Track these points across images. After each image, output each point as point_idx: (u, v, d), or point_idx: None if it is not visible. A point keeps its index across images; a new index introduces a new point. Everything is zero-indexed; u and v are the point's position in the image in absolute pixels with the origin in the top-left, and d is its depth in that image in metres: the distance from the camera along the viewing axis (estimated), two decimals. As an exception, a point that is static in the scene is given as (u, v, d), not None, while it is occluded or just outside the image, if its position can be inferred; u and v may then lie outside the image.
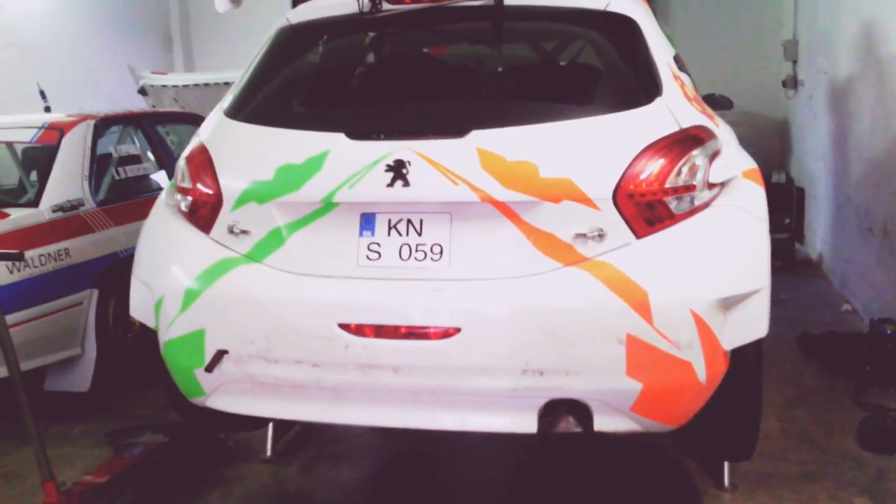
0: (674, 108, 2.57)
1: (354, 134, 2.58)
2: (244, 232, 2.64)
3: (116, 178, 4.75)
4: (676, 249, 2.41)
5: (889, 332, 4.43)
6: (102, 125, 4.71)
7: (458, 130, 2.51)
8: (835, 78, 6.31)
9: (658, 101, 2.58)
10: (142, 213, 4.25)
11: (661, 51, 2.78)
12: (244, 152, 2.74)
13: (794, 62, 7.92)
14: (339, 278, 2.52)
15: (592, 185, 2.41)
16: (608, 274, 2.36)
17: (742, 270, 2.47)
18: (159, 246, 2.85)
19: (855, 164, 5.69)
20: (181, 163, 2.87)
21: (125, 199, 4.67)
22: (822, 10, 6.83)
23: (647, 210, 2.41)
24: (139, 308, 2.85)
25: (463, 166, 2.45)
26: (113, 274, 4.32)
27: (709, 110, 2.83)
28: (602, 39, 2.86)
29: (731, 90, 5.85)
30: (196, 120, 5.74)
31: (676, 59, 2.94)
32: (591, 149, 2.47)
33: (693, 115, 2.61)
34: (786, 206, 6.92)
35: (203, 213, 2.72)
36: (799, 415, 3.82)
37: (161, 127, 5.51)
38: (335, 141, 2.58)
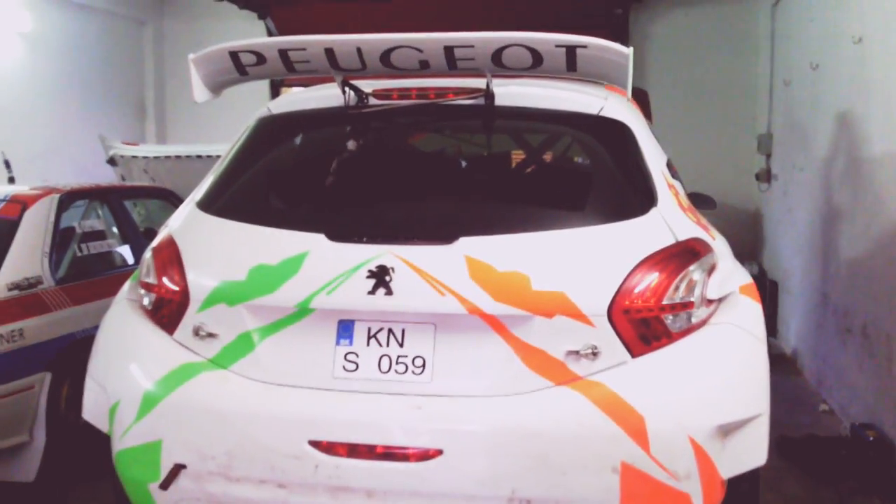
0: (669, 219, 2.49)
1: (335, 235, 2.45)
2: (211, 335, 2.48)
3: (78, 254, 4.59)
4: (674, 371, 2.30)
5: (871, 438, 4.35)
6: (67, 199, 4.57)
7: (446, 236, 2.40)
8: (811, 174, 6.33)
9: (653, 211, 2.50)
10: (102, 291, 4.20)
11: (654, 157, 2.71)
12: (216, 249, 2.60)
13: (768, 156, 7.98)
14: (312, 390, 2.36)
15: (587, 299, 2.30)
16: (602, 395, 2.23)
17: (742, 395, 2.36)
18: (117, 345, 2.67)
19: (832, 262, 5.66)
20: (147, 255, 2.71)
21: (86, 276, 4.50)
22: (798, 105, 6.90)
23: (643, 327, 2.30)
24: (92, 410, 2.66)
25: (450, 275, 2.33)
26: (68, 356, 4.12)
27: (703, 220, 2.75)
28: (595, 144, 2.80)
29: (704, 181, 5.86)
30: (166, 195, 5.68)
31: (669, 165, 2.87)
32: (586, 261, 2.37)
33: (689, 227, 2.53)
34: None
35: (167, 312, 2.56)
36: (782, 526, 3.68)
37: (129, 202, 5.38)
38: (314, 242, 2.45)
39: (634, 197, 2.55)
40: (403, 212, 2.64)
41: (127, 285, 2.87)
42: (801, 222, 6.64)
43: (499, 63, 2.49)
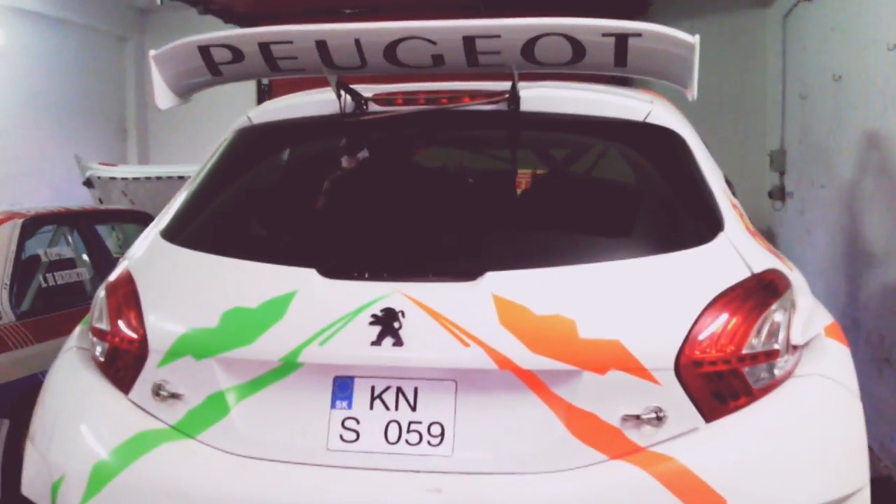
0: (740, 247, 2.07)
1: (329, 271, 2.04)
2: (174, 396, 2.06)
3: (44, 285, 4.29)
4: (758, 438, 1.88)
5: (924, 483, 3.96)
6: (31, 225, 4.27)
7: (469, 271, 1.98)
8: (834, 192, 6.01)
9: (721, 237, 2.07)
10: (70, 327, 3.75)
11: (713, 172, 2.30)
12: (182, 288, 2.19)
13: (782, 173, 7.70)
14: (302, 466, 1.94)
15: (648, 349, 1.87)
16: (671, 472, 1.80)
17: (840, 466, 1.95)
18: (62, 407, 2.26)
19: (864, 287, 5.31)
20: (100, 294, 2.30)
21: (52, 310, 4.19)
22: (817, 119, 6.59)
23: (718, 383, 1.87)
24: (33, 485, 2.24)
25: (475, 320, 1.91)
26: (30, 400, 3.70)
27: (773, 247, 2.31)
28: (643, 157, 2.39)
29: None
30: (142, 218, 5.35)
31: (727, 180, 2.44)
32: (645, 300, 1.95)
33: (762, 256, 2.10)
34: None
35: (122, 366, 2.14)
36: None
37: (102, 226, 5.10)
38: (304, 279, 2.04)
39: (697, 220, 2.15)
40: (414, 241, 2.23)
41: (77, 330, 2.46)
42: (823, 242, 6.30)
43: (530, 57, 2.09)
